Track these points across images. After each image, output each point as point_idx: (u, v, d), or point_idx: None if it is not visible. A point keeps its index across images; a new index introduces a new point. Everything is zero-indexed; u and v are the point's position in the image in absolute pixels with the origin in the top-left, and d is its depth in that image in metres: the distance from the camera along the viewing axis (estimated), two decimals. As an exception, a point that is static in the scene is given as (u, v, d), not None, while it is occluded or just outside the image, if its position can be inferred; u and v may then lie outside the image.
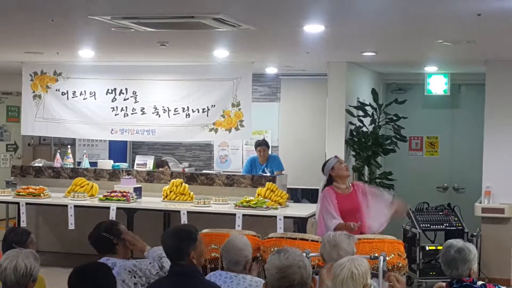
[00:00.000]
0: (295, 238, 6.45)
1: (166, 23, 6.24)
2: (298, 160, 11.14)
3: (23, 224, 8.75)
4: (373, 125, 9.93)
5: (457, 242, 4.34)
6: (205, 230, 6.62)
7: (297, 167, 10.82)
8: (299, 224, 8.16)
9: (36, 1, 5.60)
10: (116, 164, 10.05)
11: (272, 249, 6.14)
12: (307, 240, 6.34)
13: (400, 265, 6.09)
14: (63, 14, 6.11)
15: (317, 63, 9.74)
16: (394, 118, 9.87)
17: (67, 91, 10.13)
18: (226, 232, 6.46)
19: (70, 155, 10.12)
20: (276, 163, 9.97)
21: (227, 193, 9.05)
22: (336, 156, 6.90)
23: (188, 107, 9.72)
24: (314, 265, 5.54)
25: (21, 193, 9.15)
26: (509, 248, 8.65)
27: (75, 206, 8.83)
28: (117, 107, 9.98)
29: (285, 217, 8.05)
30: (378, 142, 9.74)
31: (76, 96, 10.09)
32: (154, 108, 9.86)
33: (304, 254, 3.72)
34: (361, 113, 9.89)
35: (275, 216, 8.06)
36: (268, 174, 9.50)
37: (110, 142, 11.73)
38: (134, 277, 4.53)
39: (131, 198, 8.83)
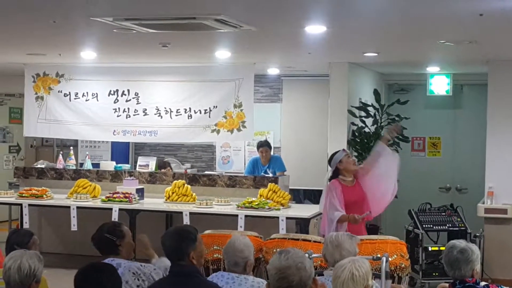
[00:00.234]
0: (298, 239, 6.46)
1: (168, 24, 6.24)
2: (300, 161, 11.13)
3: (25, 225, 8.76)
4: (375, 125, 9.92)
5: (460, 243, 4.34)
6: (207, 231, 6.62)
7: (299, 168, 10.81)
8: (302, 225, 8.16)
9: (38, 2, 5.60)
10: (119, 165, 10.05)
11: (275, 250, 6.15)
12: (310, 241, 6.34)
13: (403, 265, 6.08)
14: (64, 16, 6.12)
15: (319, 64, 9.74)
16: (396, 118, 9.86)
17: (70, 92, 10.13)
18: (228, 233, 6.46)
19: (73, 157, 10.13)
20: (278, 164, 9.96)
21: (229, 194, 9.04)
22: (344, 150, 7.02)
23: (190, 108, 9.72)
24: (317, 266, 5.54)
25: (23, 195, 9.16)
26: (512, 248, 8.66)
27: (77, 207, 8.83)
28: (119, 108, 9.98)
29: (287, 218, 8.04)
30: (380, 143, 9.73)
31: (79, 98, 10.10)
32: (156, 109, 9.86)
33: (307, 255, 3.72)
34: (363, 113, 9.88)
35: (278, 217, 8.05)
36: (270, 175, 9.49)
37: (112, 143, 11.74)
38: (138, 279, 4.53)
39: (134, 199, 8.83)
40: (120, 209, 8.63)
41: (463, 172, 11.15)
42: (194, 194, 8.97)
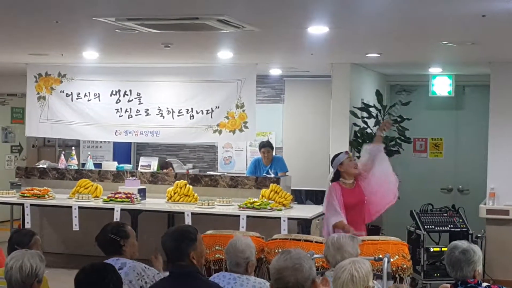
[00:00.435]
0: (299, 240, 6.47)
1: (170, 24, 6.25)
2: (302, 162, 11.12)
3: (27, 225, 8.76)
4: (377, 126, 9.91)
5: (462, 244, 4.34)
6: (209, 232, 6.63)
7: (301, 169, 10.81)
8: (303, 225, 8.16)
9: (41, 2, 5.60)
10: (120, 165, 10.06)
11: (276, 251, 6.15)
12: (311, 241, 6.35)
13: (405, 266, 6.09)
14: (67, 16, 6.12)
15: (321, 65, 9.74)
16: (399, 119, 9.85)
17: (72, 92, 10.14)
18: (230, 233, 6.47)
19: (75, 157, 10.13)
20: (280, 165, 9.96)
21: (231, 195, 9.04)
22: (346, 152, 6.99)
23: (192, 109, 9.72)
24: (319, 267, 5.54)
25: (25, 195, 9.16)
26: (514, 249, 8.65)
27: (79, 207, 8.84)
28: (121, 108, 9.98)
29: (289, 218, 8.04)
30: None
31: (81, 98, 10.10)
32: (158, 109, 9.86)
33: (308, 256, 3.71)
34: (365, 114, 9.87)
35: (279, 218, 8.05)
36: (272, 175, 9.50)
37: (114, 143, 11.74)
38: (141, 280, 4.54)
39: (135, 200, 8.83)
40: (122, 209, 8.63)
41: (465, 173, 11.15)
42: (196, 194, 8.97)
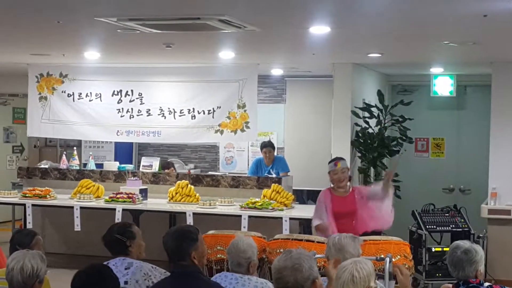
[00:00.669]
0: (301, 240, 6.45)
1: (172, 24, 6.25)
2: (303, 162, 11.13)
3: (29, 225, 8.76)
4: (379, 126, 9.91)
5: (464, 243, 4.33)
6: (210, 232, 6.62)
7: (303, 169, 10.81)
8: (305, 225, 8.16)
9: (42, 2, 5.60)
10: (122, 165, 10.06)
11: (278, 251, 6.15)
12: (313, 241, 6.33)
13: (406, 266, 6.08)
14: (69, 16, 6.12)
15: (323, 65, 9.73)
16: (400, 119, 9.85)
17: (73, 92, 10.14)
18: (231, 233, 6.46)
19: (76, 157, 10.14)
20: (281, 165, 9.96)
21: (232, 195, 9.04)
22: (335, 163, 6.72)
23: (193, 109, 9.72)
24: (320, 267, 5.53)
25: (27, 195, 9.17)
26: (515, 249, 8.65)
27: (81, 207, 8.84)
28: (122, 108, 9.99)
29: (290, 218, 8.05)
30: (384, 144, 9.72)
31: (82, 98, 10.11)
32: (159, 109, 9.87)
33: (310, 256, 3.71)
34: (367, 114, 9.87)
35: (281, 218, 8.06)
36: (274, 175, 9.49)
37: (116, 143, 11.75)
38: (148, 280, 4.53)
39: (137, 200, 8.83)
40: (123, 210, 8.64)
41: (467, 173, 11.15)
42: (197, 194, 8.98)
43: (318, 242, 6.29)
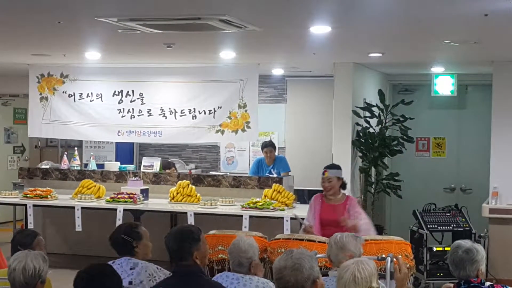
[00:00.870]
0: (302, 239, 6.45)
1: (173, 24, 6.25)
2: (304, 161, 11.13)
3: (30, 226, 8.76)
4: (379, 126, 9.91)
5: (465, 243, 4.33)
6: (212, 232, 6.62)
7: (304, 168, 10.81)
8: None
9: (43, 3, 5.61)
10: (123, 165, 10.06)
11: (279, 250, 6.14)
12: (314, 241, 6.33)
13: (408, 266, 6.07)
14: (70, 16, 6.13)
15: (324, 64, 9.73)
16: (401, 119, 9.85)
17: (74, 93, 10.15)
18: (232, 233, 6.46)
19: (77, 157, 10.14)
20: (282, 165, 9.96)
21: (233, 195, 9.05)
22: (324, 172, 6.66)
23: (194, 109, 9.72)
24: (321, 266, 5.53)
25: (28, 195, 9.17)
26: (516, 248, 8.64)
27: (82, 208, 8.84)
28: (123, 109, 9.99)
29: (291, 218, 8.04)
30: (385, 143, 9.73)
31: (83, 98, 10.11)
32: (160, 109, 9.87)
33: (311, 255, 3.70)
34: (367, 114, 9.87)
35: (282, 218, 8.05)
36: (275, 175, 9.50)
37: (117, 144, 11.76)
38: (152, 281, 4.53)
39: (138, 200, 8.83)
40: (124, 210, 8.64)
41: (468, 173, 11.14)
42: (198, 194, 8.98)
43: (319, 242, 6.28)
